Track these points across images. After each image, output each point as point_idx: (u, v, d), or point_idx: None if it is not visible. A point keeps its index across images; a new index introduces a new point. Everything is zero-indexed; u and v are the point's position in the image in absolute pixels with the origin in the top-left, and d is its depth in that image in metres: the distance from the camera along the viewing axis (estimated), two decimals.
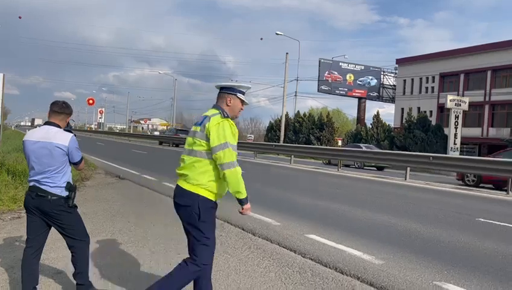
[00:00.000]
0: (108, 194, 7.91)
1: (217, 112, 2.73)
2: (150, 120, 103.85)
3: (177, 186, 2.70)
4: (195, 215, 2.62)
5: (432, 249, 4.83)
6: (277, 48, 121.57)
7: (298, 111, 40.94)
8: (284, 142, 33.77)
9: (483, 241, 5.25)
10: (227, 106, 2.78)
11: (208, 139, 2.62)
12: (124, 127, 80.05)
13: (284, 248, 4.59)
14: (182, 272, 2.65)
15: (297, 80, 37.62)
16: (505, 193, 10.67)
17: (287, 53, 32.78)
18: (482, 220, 6.71)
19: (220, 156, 2.57)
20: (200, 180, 2.62)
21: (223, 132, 2.62)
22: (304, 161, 22.39)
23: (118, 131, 70.79)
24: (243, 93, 2.82)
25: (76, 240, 3.00)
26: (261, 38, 69.72)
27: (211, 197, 2.65)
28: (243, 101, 2.82)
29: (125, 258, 4.00)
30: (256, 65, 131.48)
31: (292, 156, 19.97)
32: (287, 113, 38.27)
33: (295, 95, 38.52)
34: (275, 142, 34.40)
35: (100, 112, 67.93)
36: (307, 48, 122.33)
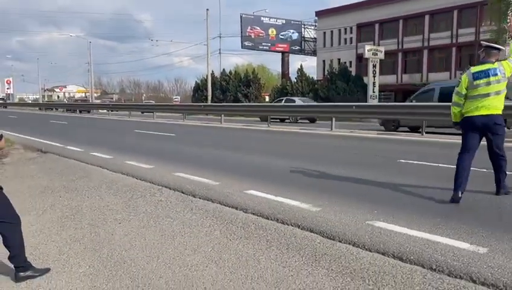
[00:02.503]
0: (32, 169, 7.42)
1: (494, 61, 4.53)
2: (66, 87, 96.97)
3: (490, 115, 4.47)
4: (504, 130, 4.70)
5: (361, 191, 5.20)
6: (196, 4, 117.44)
7: (224, 69, 40.65)
8: (212, 102, 33.52)
9: (405, 179, 5.75)
10: (496, 59, 4.57)
11: (507, 79, 4.49)
12: (37, 96, 74.00)
13: (225, 206, 4.67)
14: (504, 163, 4.67)
15: (220, 37, 37.24)
16: (419, 134, 11.65)
17: (207, 9, 31.90)
18: (403, 161, 7.31)
19: None
20: (501, 107, 4.53)
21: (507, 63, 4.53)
22: (235, 120, 22.49)
23: (30, 102, 65.31)
24: None
25: (6, 223, 2.82)
26: None
27: None
28: None
29: (62, 234, 3.84)
30: (176, 23, 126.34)
31: (222, 115, 19.94)
32: (212, 71, 37.80)
33: (219, 53, 38.16)
34: (203, 102, 34.01)
35: (7, 82, 62.11)
36: (228, 3, 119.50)
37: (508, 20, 21.28)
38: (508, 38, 4.65)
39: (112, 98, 67.28)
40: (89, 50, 52.30)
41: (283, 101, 22.83)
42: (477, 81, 4.49)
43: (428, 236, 3.44)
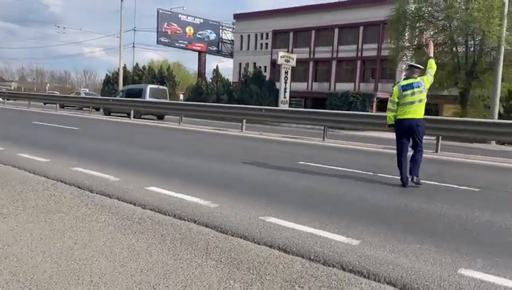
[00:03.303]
0: None
1: (417, 76, 5.92)
2: None
3: (413, 118, 5.82)
4: (424, 129, 5.98)
5: (259, 190, 5.46)
6: None
7: (137, 63, 39.39)
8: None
9: (300, 180, 6.16)
10: (417, 75, 5.97)
11: (426, 90, 5.91)
12: None
13: (123, 201, 4.61)
14: (420, 155, 5.91)
15: (134, 31, 36.07)
16: (321, 139, 12.44)
17: (121, 0, 30.65)
18: (302, 162, 7.79)
19: (431, 79, 5.99)
20: (422, 113, 5.91)
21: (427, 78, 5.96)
22: (147, 117, 21.93)
23: None
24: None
25: None
26: None
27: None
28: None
29: None
30: (89, 11, 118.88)
31: (132, 110, 19.34)
32: (125, 65, 36.41)
33: (133, 47, 36.82)
34: (113, 96, 32.59)
35: None
36: None
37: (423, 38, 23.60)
38: (425, 58, 6.38)
39: (10, 86, 61.39)
40: None
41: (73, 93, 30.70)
42: (405, 92, 5.86)
43: (312, 230, 3.75)
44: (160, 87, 24.96)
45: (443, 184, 6.29)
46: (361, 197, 5.25)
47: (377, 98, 32.37)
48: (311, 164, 7.72)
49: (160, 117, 21.96)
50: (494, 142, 16.82)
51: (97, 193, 4.90)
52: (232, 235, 3.65)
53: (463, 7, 19.40)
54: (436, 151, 10.64)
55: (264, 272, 2.92)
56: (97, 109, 26.26)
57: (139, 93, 21.97)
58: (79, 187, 5.13)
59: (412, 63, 6.23)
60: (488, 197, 5.64)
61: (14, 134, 10.79)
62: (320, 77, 40.16)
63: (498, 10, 17.85)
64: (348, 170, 7.28)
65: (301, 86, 39.24)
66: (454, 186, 6.17)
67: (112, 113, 22.87)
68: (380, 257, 3.20)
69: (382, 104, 32.77)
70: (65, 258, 3.05)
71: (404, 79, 6.11)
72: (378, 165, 8.26)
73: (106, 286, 2.67)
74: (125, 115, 21.61)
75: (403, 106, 5.86)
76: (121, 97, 22.71)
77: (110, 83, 38.48)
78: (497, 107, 17.45)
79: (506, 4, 17.22)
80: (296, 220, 4.05)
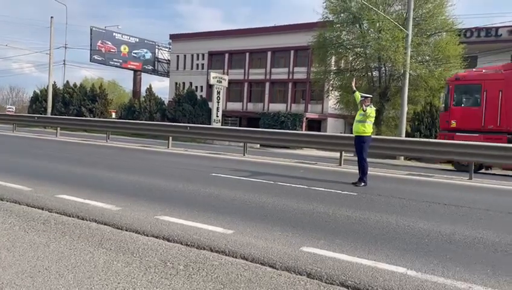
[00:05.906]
0: None
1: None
2: None
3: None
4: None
5: (164, 196, 6.08)
6: (44, 9, 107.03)
7: (67, 81, 38.41)
8: (52, 114, 31.40)
9: (206, 187, 6.86)
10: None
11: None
12: None
13: (32, 207, 5.02)
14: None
15: (65, 48, 35.15)
16: (242, 154, 13.28)
17: (51, 17, 30.14)
18: (214, 174, 8.52)
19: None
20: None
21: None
22: (75, 134, 21.67)
23: None
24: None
25: None
26: None
27: None
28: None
29: None
30: (18, 26, 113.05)
31: (58, 128, 19.12)
32: (55, 83, 35.47)
33: (64, 64, 35.93)
34: (41, 114, 31.62)
35: None
36: (78, 13, 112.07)
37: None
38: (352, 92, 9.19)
39: None
40: None
41: None
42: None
43: (196, 224, 4.45)
44: None
45: (331, 190, 7.28)
46: (251, 200, 6.04)
47: (307, 118, 34.16)
48: (222, 175, 8.47)
49: None
50: (403, 157, 18.69)
51: (7, 201, 5.26)
52: (126, 231, 4.25)
53: (376, 36, 21.50)
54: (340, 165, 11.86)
55: (145, 255, 3.56)
56: None
57: None
58: None
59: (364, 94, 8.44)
60: (359, 199, 6.67)
61: None
62: (254, 97, 41.56)
63: (403, 41, 20.08)
64: (253, 179, 8.10)
65: (237, 106, 40.39)
66: (338, 191, 7.18)
67: None
68: (244, 241, 3.96)
69: (312, 124, 34.67)
70: None
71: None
72: (283, 175, 9.18)
73: (4, 269, 3.17)
74: None
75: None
76: None
77: (38, 100, 37.17)
78: (404, 126, 19.44)
79: (410, 35, 19.43)
80: (186, 217, 4.74)
